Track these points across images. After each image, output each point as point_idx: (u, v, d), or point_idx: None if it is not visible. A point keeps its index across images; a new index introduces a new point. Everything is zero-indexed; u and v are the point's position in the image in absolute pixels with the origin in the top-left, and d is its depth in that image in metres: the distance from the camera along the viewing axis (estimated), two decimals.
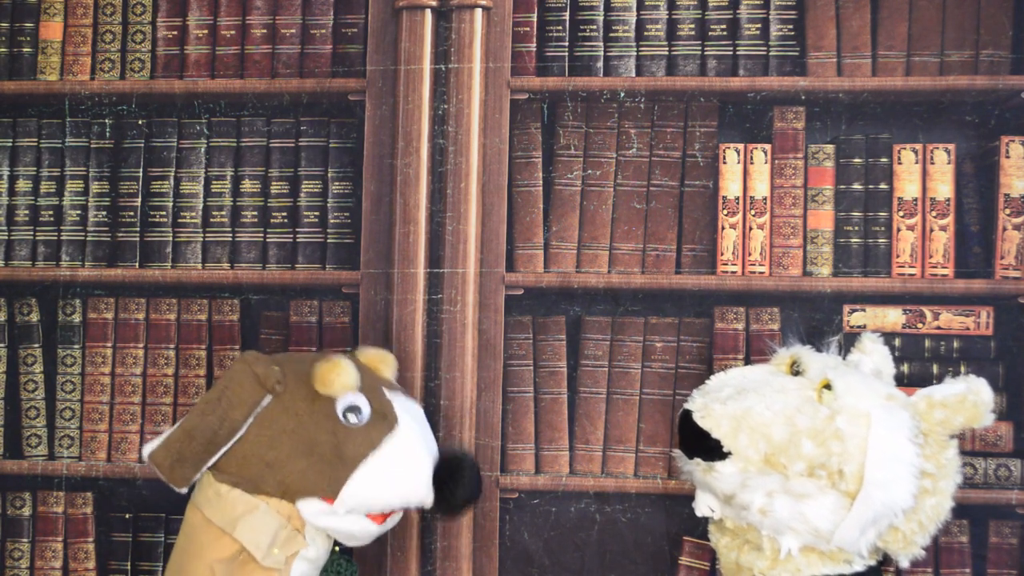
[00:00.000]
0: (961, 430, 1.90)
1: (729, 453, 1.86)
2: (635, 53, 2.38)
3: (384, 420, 1.95)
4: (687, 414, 1.90)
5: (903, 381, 2.25)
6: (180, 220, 2.46)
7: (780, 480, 1.84)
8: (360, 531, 1.97)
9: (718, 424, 1.86)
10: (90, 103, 2.49)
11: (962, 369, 2.27)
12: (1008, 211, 2.29)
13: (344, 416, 1.93)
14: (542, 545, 2.35)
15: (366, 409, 1.95)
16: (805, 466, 1.83)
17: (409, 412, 2.01)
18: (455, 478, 1.94)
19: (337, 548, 2.05)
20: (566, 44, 2.40)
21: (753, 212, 2.33)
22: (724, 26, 2.37)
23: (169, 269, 2.45)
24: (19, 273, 2.48)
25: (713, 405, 1.88)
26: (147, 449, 1.94)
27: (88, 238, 2.48)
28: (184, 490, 1.95)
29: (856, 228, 2.32)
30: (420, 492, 1.95)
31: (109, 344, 2.46)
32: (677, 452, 1.97)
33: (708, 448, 1.87)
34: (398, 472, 1.94)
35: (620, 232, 2.37)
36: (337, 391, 1.93)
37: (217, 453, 1.92)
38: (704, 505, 1.96)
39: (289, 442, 1.92)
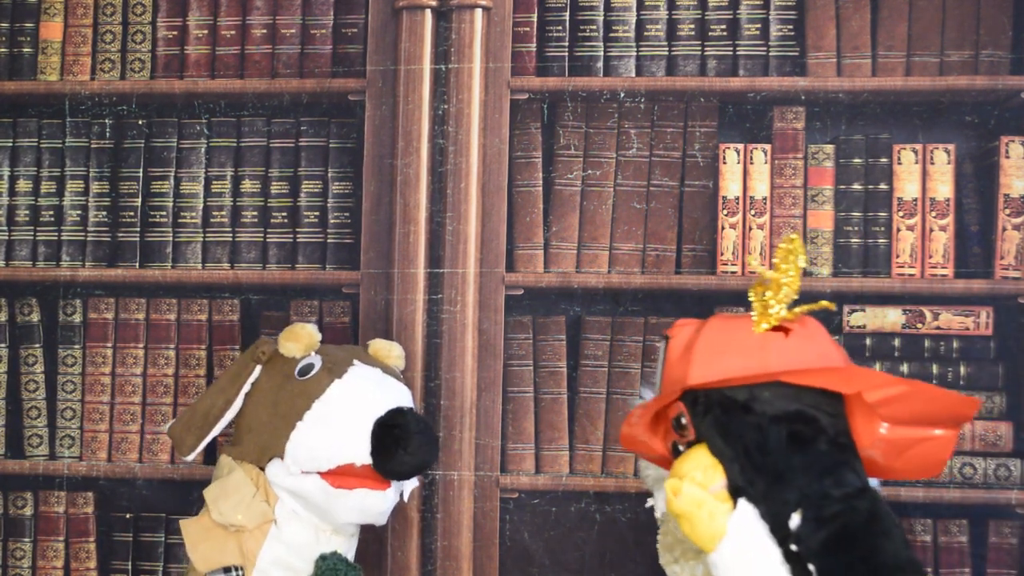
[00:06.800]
0: None
1: None
2: (635, 53, 2.38)
3: (329, 374, 1.98)
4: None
5: None
6: (180, 220, 2.46)
7: None
8: (322, 497, 1.94)
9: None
10: (90, 103, 2.48)
11: (962, 369, 2.27)
12: (1008, 211, 2.29)
13: (299, 375, 2.00)
14: (542, 545, 2.35)
15: (318, 365, 2.00)
16: None
17: (369, 378, 2.00)
18: (401, 442, 1.89)
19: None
20: (566, 44, 2.40)
21: (753, 212, 2.33)
22: (724, 26, 2.37)
23: (169, 269, 2.45)
24: (19, 273, 2.49)
25: None
26: (167, 425, 2.10)
27: (88, 238, 2.48)
28: (189, 457, 2.03)
29: (856, 228, 2.32)
30: (354, 446, 1.91)
31: (109, 344, 2.46)
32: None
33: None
34: (333, 423, 1.93)
35: (620, 232, 2.37)
36: (293, 351, 2.02)
37: (215, 424, 2.02)
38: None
39: (261, 406, 2.00)
